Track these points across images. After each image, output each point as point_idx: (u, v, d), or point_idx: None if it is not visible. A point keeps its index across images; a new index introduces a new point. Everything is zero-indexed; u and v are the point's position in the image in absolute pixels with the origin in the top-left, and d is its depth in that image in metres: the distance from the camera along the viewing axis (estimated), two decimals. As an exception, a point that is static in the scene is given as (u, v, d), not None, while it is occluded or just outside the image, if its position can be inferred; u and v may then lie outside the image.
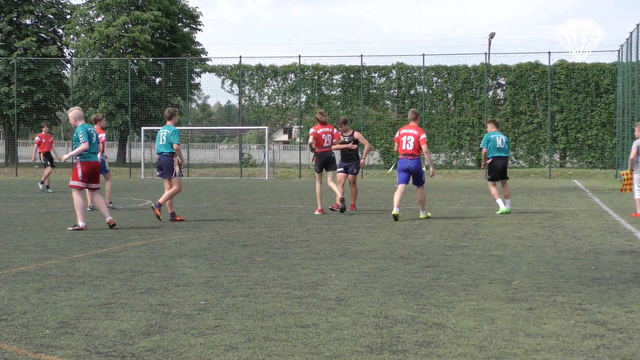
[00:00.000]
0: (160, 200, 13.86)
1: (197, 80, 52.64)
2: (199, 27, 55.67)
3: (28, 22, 52.30)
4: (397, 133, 14.84)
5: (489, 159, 16.16)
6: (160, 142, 13.93)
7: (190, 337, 5.22)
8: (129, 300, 6.48)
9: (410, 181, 14.65)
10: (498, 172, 16.12)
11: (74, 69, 50.84)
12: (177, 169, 13.88)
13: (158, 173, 14.16)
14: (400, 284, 7.28)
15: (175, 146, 13.79)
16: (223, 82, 47.42)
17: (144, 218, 14.65)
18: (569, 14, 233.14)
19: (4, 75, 49.06)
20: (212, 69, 48.22)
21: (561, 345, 5.01)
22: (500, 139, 16.17)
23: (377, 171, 41.57)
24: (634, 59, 30.78)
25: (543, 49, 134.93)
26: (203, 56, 54.15)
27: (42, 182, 24.06)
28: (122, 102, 47.81)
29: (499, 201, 15.95)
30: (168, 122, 14.16)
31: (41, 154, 23.67)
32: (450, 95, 45.40)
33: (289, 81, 47.23)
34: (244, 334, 5.29)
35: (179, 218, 13.96)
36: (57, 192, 23.36)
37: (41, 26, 52.53)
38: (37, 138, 24.08)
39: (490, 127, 16.48)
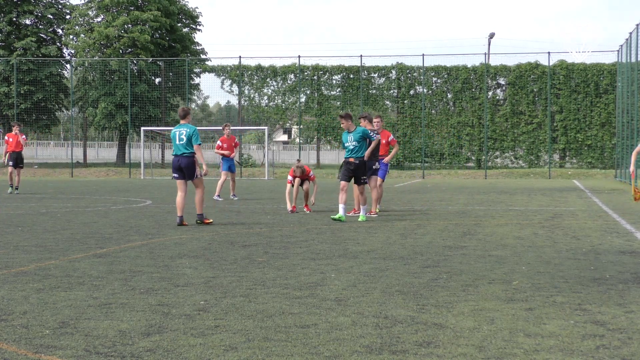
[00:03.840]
0: (199, 211, 13.27)
1: (196, 80, 52.70)
2: (198, 27, 55.69)
3: (28, 22, 52.31)
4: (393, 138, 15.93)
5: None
6: (179, 142, 13.25)
7: (190, 337, 5.22)
8: (129, 300, 6.48)
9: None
10: (348, 173, 14.39)
11: (74, 69, 50.86)
12: (198, 170, 13.35)
13: (176, 175, 13.36)
14: (400, 284, 7.28)
15: (196, 147, 13.24)
16: (223, 83, 47.48)
17: (143, 218, 14.65)
18: (569, 14, 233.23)
19: (3, 75, 49.06)
20: (212, 69, 48.26)
21: (561, 346, 5.01)
22: (350, 137, 14.35)
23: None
24: (633, 59, 30.79)
25: (543, 49, 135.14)
26: (203, 56, 54.17)
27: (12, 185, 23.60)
28: (121, 102, 47.83)
29: (341, 206, 14.15)
30: (183, 121, 13.48)
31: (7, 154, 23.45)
32: (450, 96, 45.44)
33: (289, 81, 47.25)
34: (244, 334, 5.29)
35: (207, 221, 13.38)
36: (55, 192, 23.35)
37: (41, 26, 52.53)
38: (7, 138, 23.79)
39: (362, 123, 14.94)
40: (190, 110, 13.71)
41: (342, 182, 14.31)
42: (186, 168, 13.22)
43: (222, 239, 11.18)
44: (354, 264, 8.61)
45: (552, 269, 8.25)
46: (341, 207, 14.07)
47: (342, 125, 14.57)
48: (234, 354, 4.80)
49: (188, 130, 13.27)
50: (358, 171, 14.31)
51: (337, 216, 13.95)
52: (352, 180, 14.47)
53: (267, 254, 9.47)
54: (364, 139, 14.32)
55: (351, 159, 14.29)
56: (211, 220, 13.44)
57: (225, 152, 20.34)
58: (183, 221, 13.14)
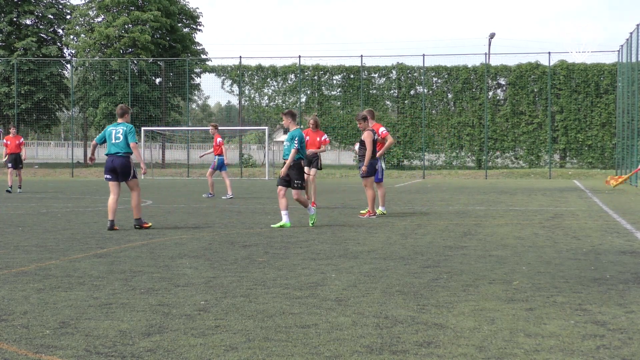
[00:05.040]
0: (136, 215, 12.62)
1: (197, 80, 52.71)
2: (199, 27, 55.70)
3: (28, 22, 52.34)
4: (384, 133, 15.25)
5: None
6: (115, 141, 12.54)
7: (190, 337, 5.22)
8: (129, 300, 6.48)
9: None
10: (285, 177, 13.20)
11: (74, 69, 50.88)
12: (134, 171, 12.75)
13: (109, 176, 12.59)
14: (400, 284, 7.28)
15: (133, 145, 12.59)
16: (223, 83, 47.49)
17: (144, 218, 14.62)
18: (569, 14, 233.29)
19: (4, 75, 49.09)
20: (212, 69, 48.27)
21: (561, 346, 5.01)
22: (286, 137, 13.47)
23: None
24: (634, 59, 30.78)
25: (543, 49, 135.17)
26: (203, 56, 54.19)
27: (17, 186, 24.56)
28: (122, 102, 47.85)
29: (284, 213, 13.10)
30: (120, 120, 12.78)
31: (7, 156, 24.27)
32: (450, 96, 45.44)
33: (289, 81, 47.26)
34: (244, 334, 5.29)
35: (146, 225, 12.71)
36: (55, 192, 23.38)
37: (41, 26, 52.56)
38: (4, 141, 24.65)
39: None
40: (129, 110, 13.08)
41: (279, 188, 13.11)
42: (121, 168, 12.52)
43: (222, 239, 11.18)
44: (355, 264, 8.61)
45: (553, 269, 8.25)
46: (283, 213, 12.95)
47: (282, 122, 13.85)
48: (234, 354, 4.80)
49: (125, 128, 12.63)
50: (291, 174, 13.08)
51: (278, 225, 12.91)
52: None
53: (268, 254, 9.47)
54: (294, 140, 13.03)
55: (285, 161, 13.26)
56: (150, 224, 12.80)
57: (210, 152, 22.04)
58: (114, 225, 12.35)
